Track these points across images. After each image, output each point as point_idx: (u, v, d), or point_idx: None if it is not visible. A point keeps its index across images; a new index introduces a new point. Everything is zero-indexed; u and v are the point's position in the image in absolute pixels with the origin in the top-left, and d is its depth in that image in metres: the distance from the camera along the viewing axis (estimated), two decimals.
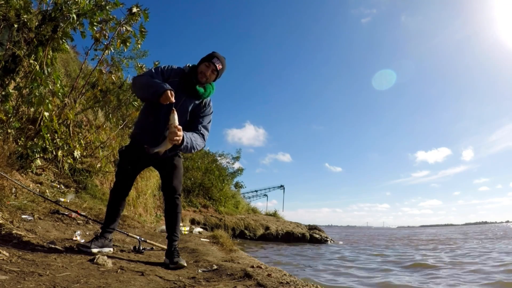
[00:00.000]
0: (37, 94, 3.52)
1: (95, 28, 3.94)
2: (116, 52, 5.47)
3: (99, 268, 1.85)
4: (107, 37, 4.17)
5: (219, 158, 17.81)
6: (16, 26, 3.59)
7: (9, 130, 3.59)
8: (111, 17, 4.02)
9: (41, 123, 3.84)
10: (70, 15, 3.62)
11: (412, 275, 5.42)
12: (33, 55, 3.61)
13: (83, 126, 4.99)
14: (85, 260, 1.97)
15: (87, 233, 2.94)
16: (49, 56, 3.74)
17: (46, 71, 3.66)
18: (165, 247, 2.82)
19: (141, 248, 2.68)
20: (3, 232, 2.18)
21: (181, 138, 2.00)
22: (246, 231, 12.81)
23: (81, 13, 3.70)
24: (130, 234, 2.92)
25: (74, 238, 2.59)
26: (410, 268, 6.38)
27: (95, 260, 1.94)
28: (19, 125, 3.79)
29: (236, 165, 18.87)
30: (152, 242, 2.96)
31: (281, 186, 31.36)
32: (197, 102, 2.32)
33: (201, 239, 4.76)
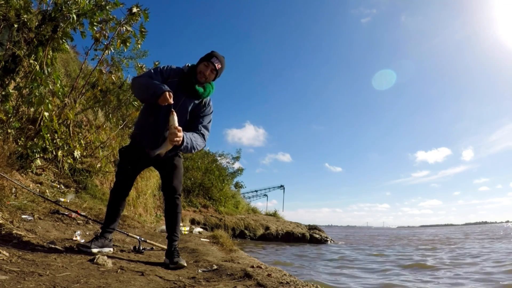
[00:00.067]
0: (37, 94, 3.52)
1: (95, 28, 3.94)
2: (116, 52, 5.47)
3: (99, 268, 1.85)
4: (107, 37, 4.17)
5: (219, 158, 17.83)
6: (16, 26, 3.59)
7: (9, 130, 3.59)
8: (111, 17, 4.02)
9: (41, 123, 3.84)
10: (70, 15, 3.61)
11: (413, 276, 5.42)
12: (33, 55, 3.60)
13: (83, 126, 4.99)
14: (85, 260, 1.97)
15: (87, 233, 2.94)
16: (49, 56, 3.74)
17: (46, 71, 3.66)
18: (165, 247, 2.82)
19: (141, 248, 2.68)
20: (3, 232, 2.18)
21: (181, 139, 2.00)
22: (246, 231, 12.81)
23: (81, 13, 3.70)
24: (130, 234, 2.92)
25: (74, 238, 2.59)
26: (410, 268, 6.38)
27: (95, 260, 1.94)
28: (19, 125, 3.79)
29: (236, 165, 18.89)
30: (152, 242, 2.96)
31: (281, 186, 31.39)
32: (196, 102, 2.32)
33: (201, 239, 4.76)
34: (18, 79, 3.71)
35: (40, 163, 4.25)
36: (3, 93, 3.54)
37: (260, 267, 2.34)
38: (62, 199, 3.81)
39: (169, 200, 2.35)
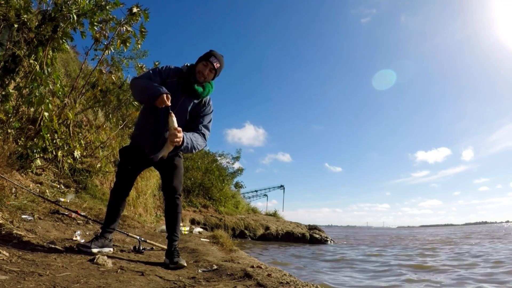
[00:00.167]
0: (37, 94, 3.52)
1: (95, 28, 3.94)
2: (116, 52, 5.48)
3: (99, 268, 1.85)
4: (107, 37, 4.17)
5: (219, 158, 17.84)
6: (16, 26, 3.59)
7: (9, 130, 3.59)
8: (111, 17, 4.02)
9: (41, 123, 3.84)
10: (70, 15, 3.61)
11: (414, 276, 5.42)
12: (33, 55, 3.60)
13: (83, 126, 4.99)
14: (85, 260, 1.97)
15: (87, 233, 2.94)
16: (49, 56, 3.74)
17: (46, 71, 3.66)
18: (165, 247, 2.82)
19: (141, 248, 2.69)
20: (3, 232, 2.18)
21: (181, 139, 2.00)
22: (246, 231, 12.81)
23: (81, 13, 3.70)
24: (130, 234, 2.92)
25: (74, 238, 2.59)
26: (411, 268, 6.38)
27: (95, 260, 1.94)
28: (19, 125, 3.79)
29: (236, 165, 18.90)
30: (152, 242, 2.96)
31: (281, 186, 31.40)
32: (196, 101, 2.31)
33: (201, 239, 4.76)
34: (18, 79, 3.71)
35: (40, 163, 4.25)
36: (3, 93, 3.54)
37: (260, 267, 2.34)
38: (62, 199, 3.81)
39: (169, 200, 2.35)
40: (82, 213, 3.39)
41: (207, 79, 2.30)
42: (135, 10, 4.04)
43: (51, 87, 3.68)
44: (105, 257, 2.00)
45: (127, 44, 4.25)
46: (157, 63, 4.50)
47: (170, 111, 2.01)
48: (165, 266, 2.22)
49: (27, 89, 3.57)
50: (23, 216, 2.71)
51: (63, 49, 3.87)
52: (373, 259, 8.10)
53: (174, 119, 2.00)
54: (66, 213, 3.29)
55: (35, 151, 3.88)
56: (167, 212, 2.37)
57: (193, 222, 10.71)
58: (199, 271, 2.18)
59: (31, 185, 3.83)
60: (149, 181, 7.21)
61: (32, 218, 2.78)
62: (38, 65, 3.53)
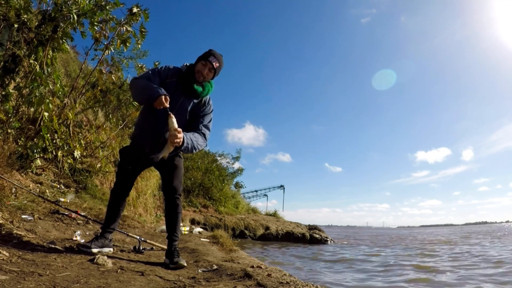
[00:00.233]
0: (37, 94, 3.52)
1: (95, 28, 3.94)
2: (116, 52, 5.47)
3: (99, 268, 1.85)
4: (107, 37, 4.17)
5: (219, 158, 17.84)
6: (16, 26, 3.59)
7: (9, 130, 3.59)
8: (111, 17, 4.03)
9: (41, 123, 3.84)
10: (70, 15, 3.61)
11: (414, 276, 5.42)
12: (33, 55, 3.60)
13: (83, 126, 4.99)
14: (85, 260, 1.97)
15: (87, 233, 2.94)
16: (49, 56, 3.74)
17: (46, 71, 3.66)
18: (165, 247, 2.81)
19: (141, 248, 2.69)
20: (3, 232, 2.18)
21: (181, 140, 2.00)
22: (246, 231, 12.81)
23: (81, 13, 3.70)
24: (130, 234, 2.92)
25: (74, 238, 2.59)
26: (411, 268, 6.38)
27: (95, 260, 1.94)
28: (19, 125, 3.79)
29: (236, 165, 18.89)
30: (152, 242, 2.96)
31: (281, 186, 31.40)
32: (196, 101, 2.31)
33: (201, 239, 4.76)
34: (18, 79, 3.71)
35: (40, 163, 4.25)
36: (3, 93, 3.54)
37: (260, 267, 2.34)
38: (62, 199, 3.81)
39: (169, 200, 2.35)
40: (82, 213, 3.39)
41: (207, 79, 2.29)
42: (135, 10, 4.04)
43: (51, 87, 3.68)
44: (105, 257, 2.00)
45: (127, 44, 4.25)
46: (157, 63, 4.50)
47: (170, 112, 2.01)
48: (165, 266, 2.22)
49: (27, 89, 3.58)
50: (23, 216, 2.71)
51: (63, 49, 3.87)
52: (373, 259, 8.10)
53: (174, 120, 1.99)
54: (66, 213, 3.29)
55: (35, 151, 3.88)
56: (167, 212, 2.37)
57: (193, 222, 10.71)
58: (199, 271, 2.18)
59: (31, 185, 3.83)
60: (149, 181, 7.21)
61: (32, 218, 2.78)
62: (38, 65, 3.53)
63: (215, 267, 2.31)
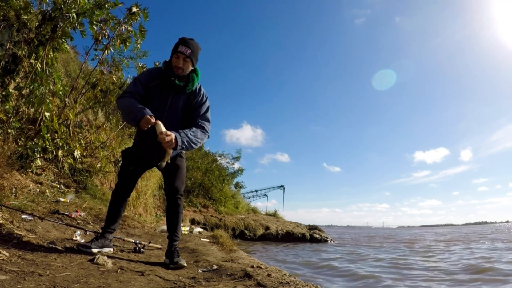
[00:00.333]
0: (37, 94, 3.52)
1: (95, 28, 3.94)
2: (116, 52, 5.48)
3: (99, 268, 1.85)
4: (107, 36, 4.17)
5: (219, 158, 17.84)
6: (16, 26, 3.59)
7: (9, 130, 3.59)
8: (111, 16, 4.03)
9: (41, 123, 3.84)
10: (70, 14, 3.61)
11: (414, 276, 5.42)
12: (33, 55, 3.60)
13: (83, 126, 4.99)
14: (85, 260, 1.97)
15: (87, 233, 2.94)
16: (49, 56, 3.74)
17: (47, 71, 3.67)
18: (159, 246, 2.81)
19: (141, 248, 2.68)
20: (3, 232, 2.18)
21: (173, 140, 1.98)
22: (246, 231, 12.80)
23: (81, 12, 3.70)
24: (125, 239, 2.88)
25: (74, 238, 2.58)
26: (411, 269, 6.37)
27: (95, 260, 1.94)
28: (19, 125, 3.79)
29: (236, 166, 18.89)
30: (153, 244, 2.97)
31: (281, 186, 31.39)
32: (185, 95, 2.25)
33: (201, 239, 4.77)
34: (18, 79, 3.71)
35: (40, 163, 4.25)
36: (3, 93, 3.54)
37: (260, 267, 2.34)
38: (62, 199, 3.81)
39: (170, 200, 2.35)
40: (80, 217, 3.38)
41: (186, 70, 2.20)
42: (134, 9, 4.04)
43: (51, 87, 3.68)
44: (105, 257, 2.00)
45: (127, 43, 4.25)
46: (157, 63, 4.50)
47: (155, 120, 1.99)
48: (165, 266, 2.22)
49: (27, 89, 3.58)
50: (23, 216, 2.71)
51: (63, 49, 3.87)
52: (373, 259, 8.10)
53: (161, 125, 1.98)
54: (66, 213, 3.29)
55: (35, 151, 3.88)
56: (168, 212, 2.37)
57: (193, 222, 10.71)
58: (199, 271, 2.18)
59: (31, 185, 3.83)
60: (149, 181, 7.21)
61: (32, 218, 2.77)
62: (39, 65, 3.53)
63: (215, 267, 2.31)
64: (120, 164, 2.50)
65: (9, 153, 3.43)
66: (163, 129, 1.97)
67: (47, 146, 4.04)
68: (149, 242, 2.93)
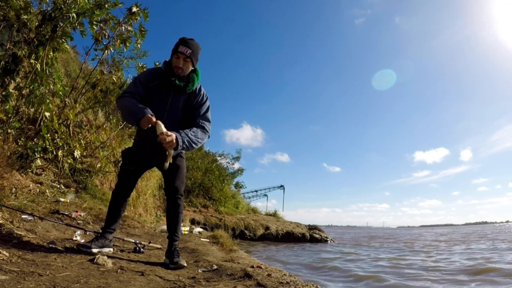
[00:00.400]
0: (37, 94, 3.52)
1: (95, 28, 3.94)
2: (116, 52, 5.47)
3: (99, 268, 1.85)
4: (107, 36, 4.17)
5: (219, 158, 17.83)
6: (16, 26, 3.59)
7: (9, 130, 3.59)
8: (111, 16, 4.03)
9: (41, 123, 3.84)
10: (70, 14, 3.61)
11: (415, 276, 5.42)
12: (33, 55, 3.60)
13: (83, 126, 4.99)
14: (85, 260, 1.97)
15: (87, 233, 2.94)
16: (49, 56, 3.74)
17: (47, 71, 3.67)
18: (159, 246, 2.80)
19: (141, 248, 2.68)
20: (3, 232, 2.18)
21: (173, 140, 1.98)
22: (246, 231, 12.80)
23: (81, 12, 3.70)
24: (125, 239, 2.89)
25: (74, 238, 2.58)
26: (412, 269, 6.37)
27: (95, 260, 1.94)
28: (19, 125, 3.79)
29: (236, 166, 18.89)
30: (153, 244, 2.97)
31: (281, 186, 31.38)
32: (185, 95, 2.25)
33: (201, 239, 4.77)
34: (18, 79, 3.72)
35: (40, 163, 4.25)
36: (3, 93, 3.54)
37: (260, 267, 2.34)
38: (62, 199, 3.81)
39: (170, 200, 2.35)
40: (80, 219, 3.38)
41: (186, 70, 2.20)
42: (134, 9, 4.04)
43: (51, 87, 3.68)
44: (105, 257, 2.00)
45: (127, 44, 4.25)
46: (157, 63, 4.50)
47: (155, 121, 1.99)
48: (165, 266, 2.22)
49: (27, 89, 3.58)
50: (23, 216, 2.71)
51: (63, 49, 3.87)
52: (374, 259, 8.10)
53: (162, 126, 1.98)
54: (66, 213, 3.29)
55: (35, 151, 3.88)
56: (168, 212, 2.37)
57: (193, 222, 10.71)
58: (199, 271, 2.18)
59: (31, 185, 3.83)
60: (149, 181, 7.21)
61: (32, 218, 2.77)
62: (39, 65, 3.53)
63: (215, 267, 2.31)
64: (120, 164, 2.50)
65: (9, 153, 3.43)
66: (164, 129, 1.97)
67: (47, 146, 4.04)
68: (149, 242, 2.94)
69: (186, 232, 5.83)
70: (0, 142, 3.39)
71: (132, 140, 2.66)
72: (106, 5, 3.79)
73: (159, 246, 3.00)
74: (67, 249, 2.19)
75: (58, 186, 4.46)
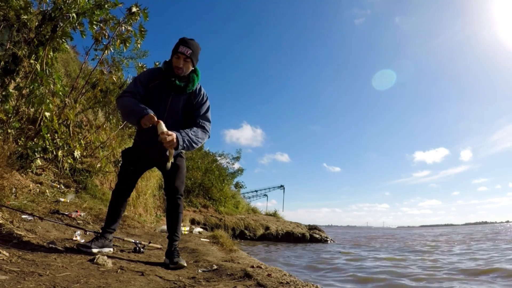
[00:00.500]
0: (37, 94, 3.52)
1: (95, 28, 3.94)
2: (116, 52, 5.47)
3: (99, 268, 1.85)
4: (107, 36, 4.17)
5: (219, 158, 17.84)
6: (16, 26, 3.59)
7: (9, 130, 3.59)
8: (111, 16, 4.03)
9: (41, 123, 3.84)
10: (70, 14, 3.61)
11: (415, 276, 5.42)
12: (33, 55, 3.60)
13: (83, 126, 4.99)
14: (85, 260, 1.97)
15: (87, 233, 2.94)
16: (49, 56, 3.74)
17: (47, 71, 3.67)
18: (159, 246, 2.80)
19: (141, 248, 2.68)
20: (3, 232, 2.18)
21: (174, 139, 1.98)
22: (246, 231, 12.80)
23: (81, 12, 3.69)
24: (125, 239, 2.89)
25: (74, 238, 2.58)
26: (412, 269, 6.37)
27: (95, 260, 1.94)
28: (19, 125, 3.79)
29: (236, 166, 18.89)
30: (153, 244, 2.96)
31: (281, 186, 31.38)
32: (185, 96, 2.25)
33: (201, 239, 4.77)
34: (18, 79, 3.72)
35: (40, 163, 4.25)
36: (3, 93, 3.54)
37: (260, 267, 2.34)
38: (62, 199, 3.81)
39: (170, 200, 2.35)
40: (79, 220, 3.38)
41: (186, 71, 2.20)
42: (134, 9, 4.04)
43: (51, 87, 3.68)
44: (105, 257, 2.00)
45: (127, 44, 4.25)
46: (157, 63, 4.50)
47: (157, 120, 2.00)
48: (165, 266, 2.22)
49: (27, 89, 3.58)
50: (23, 216, 2.71)
51: (63, 49, 3.87)
52: (374, 259, 8.09)
53: (163, 125, 1.98)
54: (66, 213, 3.29)
55: (35, 151, 3.88)
56: (168, 212, 2.37)
57: (193, 222, 10.71)
58: (199, 271, 2.18)
59: (31, 185, 3.83)
60: (149, 181, 7.21)
61: (32, 218, 2.77)
62: (39, 65, 3.53)
63: (215, 267, 2.31)
64: (120, 164, 2.50)
65: (9, 153, 3.43)
66: (165, 129, 1.98)
67: (47, 146, 4.04)
68: (149, 242, 2.94)
69: (186, 232, 5.83)
70: (0, 142, 3.39)
71: (132, 140, 2.66)
72: (106, 5, 3.79)
73: (159, 246, 3.00)
74: (67, 249, 2.19)
75: (58, 186, 4.46)
